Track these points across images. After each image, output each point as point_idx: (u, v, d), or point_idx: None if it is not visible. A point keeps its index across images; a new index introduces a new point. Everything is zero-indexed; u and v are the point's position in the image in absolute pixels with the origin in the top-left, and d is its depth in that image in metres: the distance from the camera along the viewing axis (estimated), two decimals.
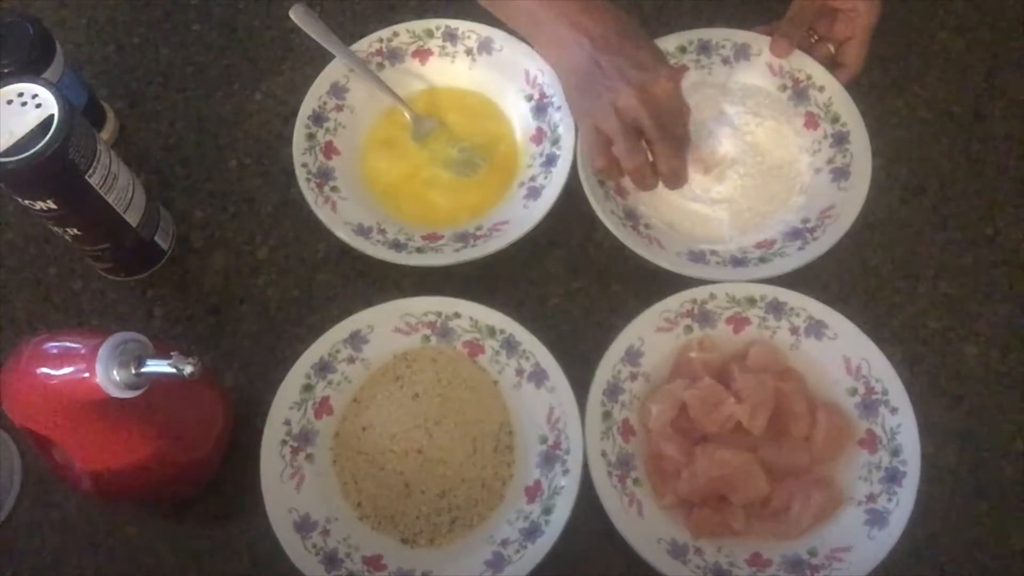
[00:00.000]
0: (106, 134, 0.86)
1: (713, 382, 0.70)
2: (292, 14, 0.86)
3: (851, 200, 0.77)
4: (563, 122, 0.81)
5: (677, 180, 0.74)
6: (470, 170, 0.83)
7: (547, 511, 0.69)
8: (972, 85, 0.86)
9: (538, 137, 0.83)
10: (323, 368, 0.74)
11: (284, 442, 0.72)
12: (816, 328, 0.73)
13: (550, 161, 0.81)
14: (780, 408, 0.70)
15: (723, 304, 0.74)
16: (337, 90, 0.85)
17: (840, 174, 0.79)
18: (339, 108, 0.84)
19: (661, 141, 0.71)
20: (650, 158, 0.72)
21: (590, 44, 0.72)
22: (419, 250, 0.78)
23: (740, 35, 0.84)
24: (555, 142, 0.82)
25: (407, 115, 0.85)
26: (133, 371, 0.59)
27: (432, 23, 0.87)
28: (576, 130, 0.80)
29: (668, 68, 0.72)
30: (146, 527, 0.73)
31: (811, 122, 0.82)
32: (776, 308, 0.74)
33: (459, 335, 0.75)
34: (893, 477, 0.68)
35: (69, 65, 0.79)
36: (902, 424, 0.70)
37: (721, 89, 0.83)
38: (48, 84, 0.68)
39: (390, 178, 0.83)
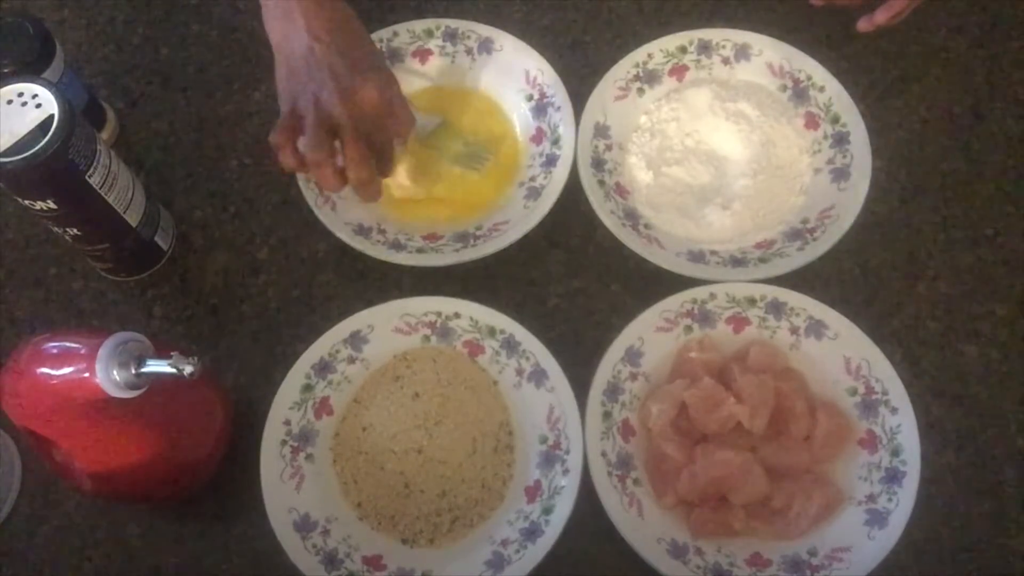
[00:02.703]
0: (106, 134, 0.86)
1: (713, 382, 0.70)
2: None
3: (851, 200, 0.77)
4: (563, 122, 0.81)
5: (366, 191, 0.74)
6: (477, 163, 0.83)
7: (547, 511, 0.69)
8: (972, 85, 0.86)
9: (538, 137, 0.83)
10: (323, 368, 0.74)
11: (284, 442, 0.72)
12: (816, 328, 0.73)
13: (550, 161, 0.81)
14: (780, 408, 0.70)
15: (723, 304, 0.74)
16: None
17: (840, 174, 0.79)
18: None
19: (351, 146, 0.72)
20: (340, 162, 0.73)
21: (308, 35, 0.72)
22: (419, 250, 0.78)
23: (740, 35, 0.84)
24: (555, 142, 0.82)
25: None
26: (133, 371, 0.59)
27: (432, 23, 0.87)
28: (576, 129, 0.80)
29: (381, 79, 0.73)
30: (146, 527, 0.73)
31: (811, 122, 0.82)
32: (776, 308, 0.74)
33: (459, 335, 0.75)
34: (893, 477, 0.68)
35: (69, 65, 0.79)
36: (902, 424, 0.70)
37: (721, 89, 0.83)
38: (48, 84, 0.68)
39: (392, 177, 0.83)
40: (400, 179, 0.82)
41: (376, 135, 0.73)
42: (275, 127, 0.73)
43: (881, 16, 0.81)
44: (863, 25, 0.83)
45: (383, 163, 0.76)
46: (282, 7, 0.74)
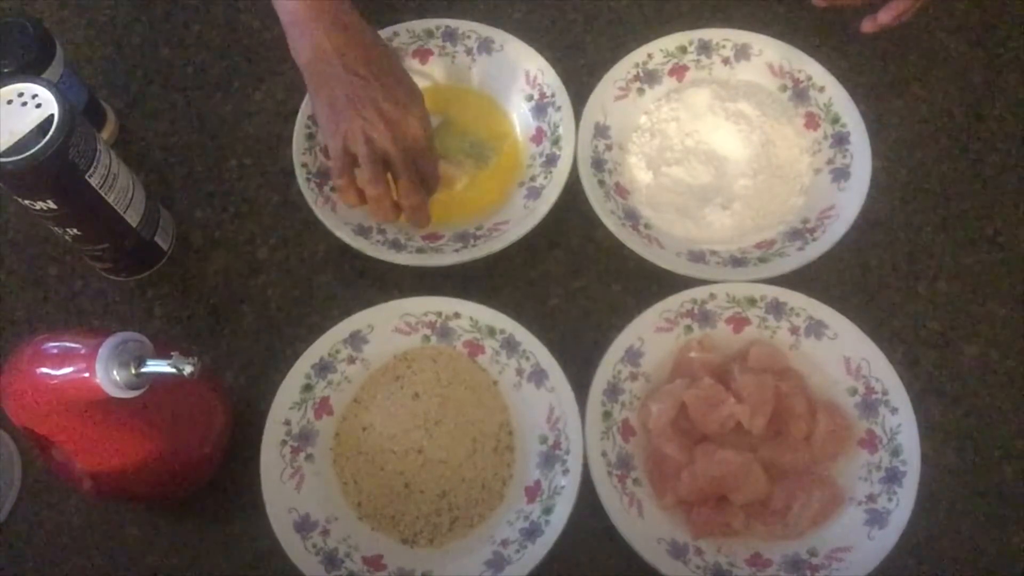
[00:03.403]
0: (106, 134, 0.86)
1: (713, 382, 0.70)
2: None
3: (851, 200, 0.77)
4: (563, 122, 0.81)
5: (418, 217, 0.77)
6: (482, 162, 0.83)
7: (547, 511, 0.69)
8: (972, 85, 0.86)
9: (538, 137, 0.83)
10: (323, 368, 0.74)
11: (284, 442, 0.72)
12: (816, 328, 0.73)
13: (550, 161, 0.81)
14: (780, 408, 0.70)
15: (723, 304, 0.74)
16: None
17: (840, 174, 0.79)
18: None
19: (406, 177, 0.74)
20: (394, 193, 0.75)
21: (345, 70, 0.73)
22: (419, 250, 0.78)
23: (740, 35, 0.84)
24: (555, 142, 0.82)
25: None
26: (133, 371, 0.59)
27: (432, 23, 0.87)
28: (576, 129, 0.80)
29: (421, 110, 0.75)
30: (146, 527, 0.73)
31: (811, 122, 0.82)
32: (776, 308, 0.74)
33: (459, 335, 0.75)
34: (893, 477, 0.68)
35: (69, 65, 0.79)
36: (902, 424, 0.70)
37: (721, 89, 0.83)
38: (48, 84, 0.68)
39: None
40: None
41: (422, 162, 0.76)
42: (334, 169, 0.75)
43: (885, 16, 0.81)
44: (867, 26, 0.82)
45: (429, 186, 0.78)
46: (309, 35, 0.74)
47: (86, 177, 0.69)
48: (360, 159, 0.73)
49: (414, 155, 0.75)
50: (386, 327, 0.75)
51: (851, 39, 0.88)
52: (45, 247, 0.83)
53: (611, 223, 0.76)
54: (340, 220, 0.79)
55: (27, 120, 0.66)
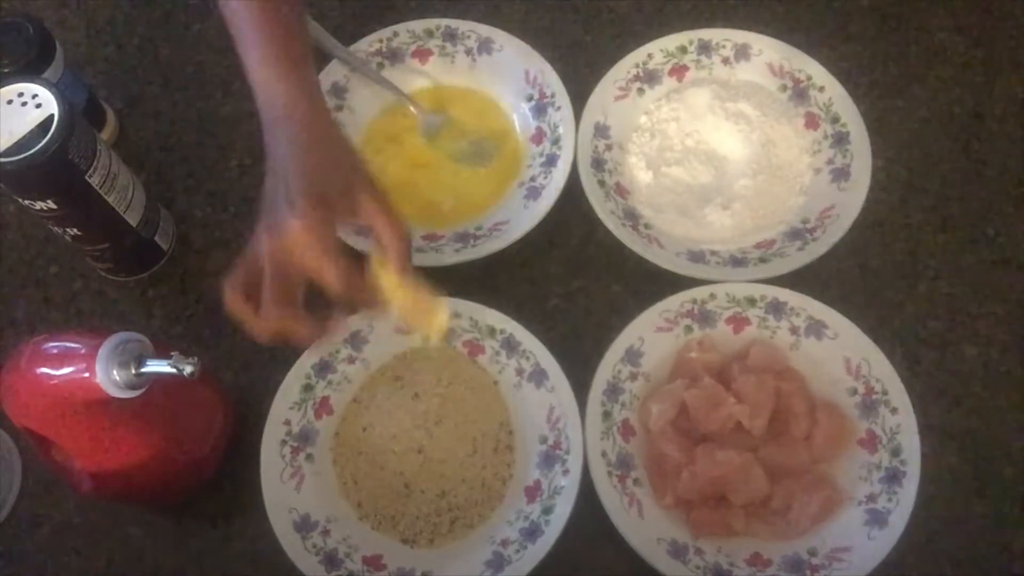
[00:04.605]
0: (106, 134, 0.86)
1: (713, 382, 0.70)
2: None
3: (851, 200, 0.77)
4: (563, 122, 0.81)
5: (294, 339, 0.62)
6: (484, 160, 0.83)
7: (547, 511, 0.69)
8: (972, 85, 0.86)
9: (538, 137, 0.83)
10: (323, 368, 0.74)
11: (284, 442, 0.72)
12: (816, 328, 0.73)
13: (550, 161, 0.81)
14: (780, 408, 0.70)
15: (723, 304, 0.74)
16: (337, 90, 0.85)
17: (840, 174, 0.79)
18: (339, 108, 0.84)
19: (267, 291, 0.61)
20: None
21: (271, 172, 0.62)
22: (419, 250, 0.78)
23: (740, 35, 0.84)
24: (555, 142, 0.82)
25: (415, 112, 0.85)
26: (133, 371, 0.59)
27: (432, 23, 0.87)
28: (576, 129, 0.80)
29: (315, 213, 0.60)
30: (146, 527, 0.73)
31: (811, 122, 0.82)
32: (776, 308, 0.74)
33: (459, 335, 0.75)
34: (893, 477, 0.68)
35: (69, 65, 0.79)
36: (902, 424, 0.70)
37: (721, 89, 0.83)
38: (48, 84, 0.68)
39: (391, 178, 0.83)
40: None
41: (320, 275, 0.61)
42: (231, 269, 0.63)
43: None
44: None
45: (349, 301, 0.63)
46: (284, 130, 0.63)
47: (86, 177, 0.69)
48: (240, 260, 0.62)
49: (292, 264, 0.60)
50: (386, 327, 0.75)
51: (851, 39, 0.88)
52: (45, 247, 0.83)
53: (611, 223, 0.76)
54: None
55: (27, 120, 0.66)
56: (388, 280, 0.64)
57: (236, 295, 0.62)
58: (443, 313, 0.67)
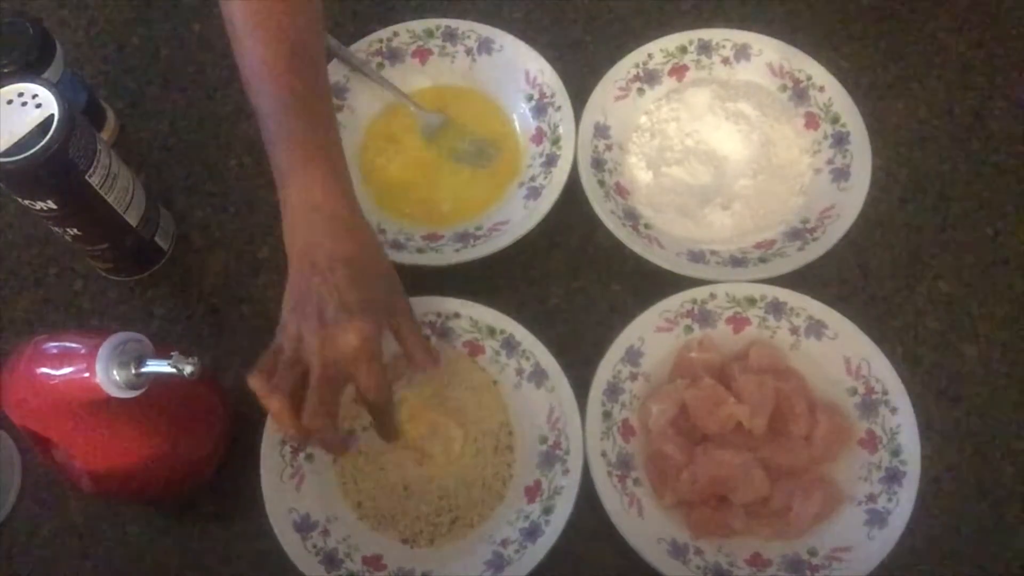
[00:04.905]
0: (106, 134, 0.86)
1: (713, 382, 0.70)
2: None
3: (851, 200, 0.77)
4: (563, 122, 0.81)
5: (326, 444, 0.65)
6: (484, 160, 0.83)
7: (547, 511, 0.69)
8: (972, 85, 0.86)
9: (538, 137, 0.83)
10: None
11: (284, 442, 0.71)
12: (816, 328, 0.73)
13: (550, 161, 0.81)
14: (780, 408, 0.70)
15: (723, 304, 0.74)
16: (337, 90, 0.85)
17: (840, 174, 0.79)
18: (339, 108, 0.84)
19: (315, 395, 0.60)
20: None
21: (311, 268, 0.62)
22: (419, 250, 0.78)
23: (740, 35, 0.84)
24: (555, 142, 0.82)
25: (416, 112, 0.85)
26: (133, 371, 0.59)
27: (432, 23, 0.87)
28: (576, 129, 0.80)
29: (368, 324, 0.61)
30: (146, 527, 0.73)
31: (811, 122, 0.82)
32: (776, 308, 0.74)
33: (459, 335, 0.75)
34: (893, 477, 0.68)
35: (69, 65, 0.79)
36: (902, 424, 0.70)
37: (721, 89, 0.83)
38: (48, 84, 0.68)
39: (391, 178, 0.83)
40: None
41: (360, 379, 0.62)
42: (260, 359, 0.62)
43: None
44: None
45: (375, 409, 0.65)
46: (304, 223, 0.63)
47: (86, 177, 0.69)
48: (279, 359, 0.61)
49: (341, 369, 0.61)
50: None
51: (851, 39, 0.88)
52: (45, 247, 0.83)
53: (611, 223, 0.76)
54: None
55: (27, 120, 0.66)
56: (415, 402, 0.71)
57: (266, 387, 0.60)
58: (458, 443, 0.71)
